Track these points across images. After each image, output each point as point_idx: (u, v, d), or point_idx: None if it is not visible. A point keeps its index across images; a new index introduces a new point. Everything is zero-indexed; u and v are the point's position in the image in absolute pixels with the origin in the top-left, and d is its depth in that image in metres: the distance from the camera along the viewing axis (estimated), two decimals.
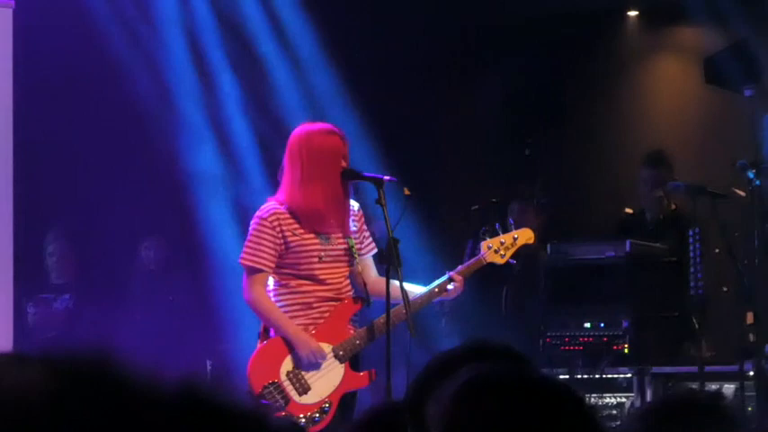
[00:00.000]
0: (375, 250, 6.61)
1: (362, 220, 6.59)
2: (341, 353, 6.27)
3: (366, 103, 9.83)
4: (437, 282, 6.42)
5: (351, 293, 6.41)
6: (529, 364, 3.00)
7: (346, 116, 9.28)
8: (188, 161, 10.19)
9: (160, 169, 10.17)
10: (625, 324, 7.89)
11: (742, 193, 7.88)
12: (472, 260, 6.67)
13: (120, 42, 10.25)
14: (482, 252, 6.51)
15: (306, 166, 6.25)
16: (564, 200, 10.09)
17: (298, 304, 6.27)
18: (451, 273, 6.39)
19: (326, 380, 6.29)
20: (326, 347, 6.17)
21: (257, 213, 6.40)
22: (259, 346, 6.40)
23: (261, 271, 6.23)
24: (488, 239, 6.59)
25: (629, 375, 8.07)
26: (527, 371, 2.73)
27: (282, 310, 6.30)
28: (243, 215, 8.15)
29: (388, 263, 6.18)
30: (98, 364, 1.03)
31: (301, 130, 6.44)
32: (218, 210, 9.77)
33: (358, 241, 6.38)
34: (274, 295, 6.38)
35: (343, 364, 6.26)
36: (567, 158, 11.00)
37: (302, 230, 6.22)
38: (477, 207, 9.30)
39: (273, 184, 6.92)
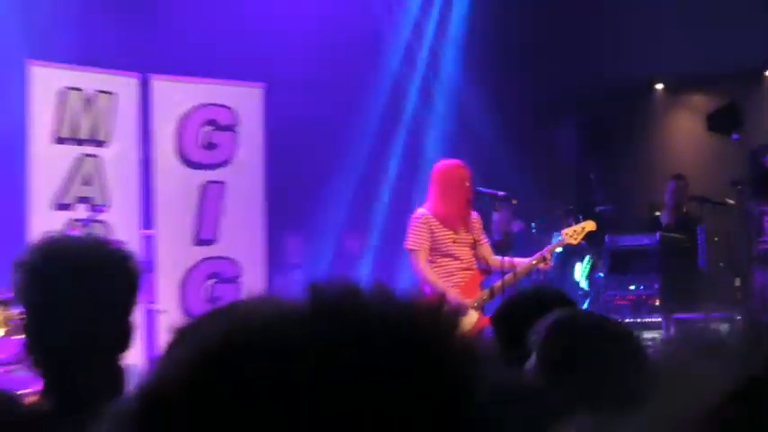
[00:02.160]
0: (489, 242, 8.39)
1: (480, 223, 8.26)
2: (475, 305, 7.93)
3: (490, 141, 11.94)
4: (535, 257, 7.94)
5: (477, 267, 8.14)
6: (575, 305, 4.61)
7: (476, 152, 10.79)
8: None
9: None
10: (656, 286, 10.05)
11: (732, 202, 10.45)
12: (557, 242, 8.43)
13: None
14: (562, 237, 8.27)
15: (444, 188, 8.08)
16: (616, 206, 11.79)
17: (444, 274, 8.00)
18: (543, 251, 7.98)
19: (466, 322, 8.27)
20: (466, 301, 8.16)
21: (413, 216, 8.15)
22: None
23: (417, 251, 8.01)
24: (566, 228, 8.49)
25: (659, 320, 9.86)
26: (597, 315, 4.18)
27: None
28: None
29: (503, 248, 9.05)
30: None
31: (441, 164, 8.35)
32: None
33: (477, 236, 8.07)
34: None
35: (476, 312, 7.94)
36: (617, 179, 12.94)
37: (442, 227, 7.98)
38: (560, 211, 11.34)
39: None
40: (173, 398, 0.84)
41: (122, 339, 2.92)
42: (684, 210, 11.23)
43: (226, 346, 0.84)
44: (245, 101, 9.60)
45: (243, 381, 0.82)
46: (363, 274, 11.42)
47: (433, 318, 0.87)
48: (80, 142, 8.61)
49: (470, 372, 0.85)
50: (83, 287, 2.90)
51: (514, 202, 8.90)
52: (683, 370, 0.94)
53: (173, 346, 1.05)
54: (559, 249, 8.74)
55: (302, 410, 0.81)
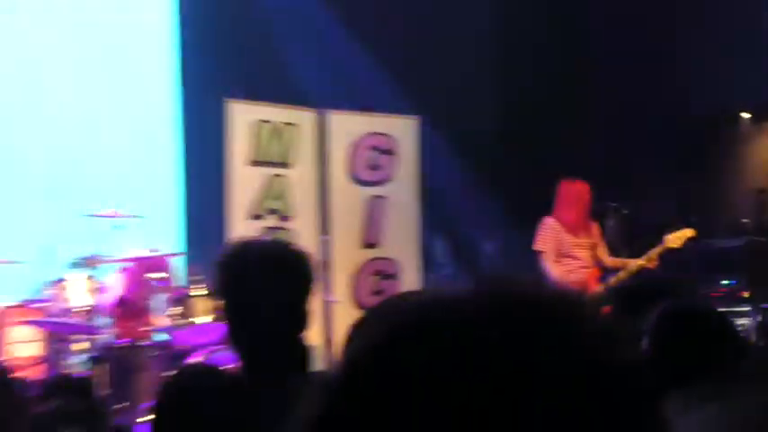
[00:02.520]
0: (605, 245, 9.62)
1: (598, 229, 9.57)
2: (593, 297, 9.27)
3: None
4: (643, 258, 9.10)
5: (595, 265, 9.43)
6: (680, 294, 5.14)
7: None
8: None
9: None
10: (743, 281, 11.19)
11: None
12: (661, 245, 9.29)
13: None
14: (665, 241, 9.20)
15: (567, 201, 9.40)
16: (709, 219, 12.28)
17: (566, 271, 9.24)
18: (649, 253, 9.14)
19: None
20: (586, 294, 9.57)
21: (541, 223, 9.38)
22: None
23: (545, 252, 9.28)
24: (669, 235, 9.31)
25: (748, 308, 10.92)
26: (701, 304, 4.54)
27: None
28: None
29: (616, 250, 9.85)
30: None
31: (565, 181, 9.48)
32: None
33: (596, 240, 9.39)
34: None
35: None
36: (709, 199, 13.31)
37: (565, 232, 9.27)
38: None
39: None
40: (369, 368, 0.93)
41: (301, 323, 3.32)
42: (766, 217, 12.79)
43: (413, 324, 0.92)
44: (402, 130, 10.83)
45: (431, 351, 0.90)
46: (503, 271, 12.83)
47: (581, 304, 0.95)
48: (270, 165, 9.93)
49: (621, 354, 0.92)
50: (269, 281, 3.30)
51: (625, 211, 10.03)
52: None
53: (359, 327, 1.24)
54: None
55: (477, 374, 0.86)
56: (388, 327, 0.92)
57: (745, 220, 12.44)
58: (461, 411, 0.84)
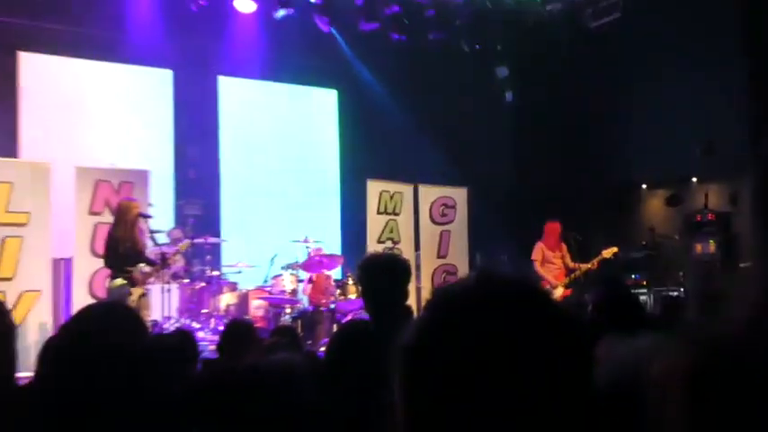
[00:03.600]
0: (569, 255, 12.02)
1: (565, 247, 12.09)
2: (562, 285, 11.86)
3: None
4: (591, 262, 11.71)
5: (563, 267, 12.03)
6: None
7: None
8: None
9: None
10: None
11: None
12: (599, 255, 11.78)
13: None
14: (602, 254, 11.87)
15: (548, 232, 12.16)
16: (624, 243, 13.42)
17: (548, 271, 12.02)
18: (594, 260, 11.76)
19: (558, 293, 11.58)
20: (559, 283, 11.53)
21: (536, 245, 12.10)
22: None
23: (536, 260, 11.94)
24: (604, 250, 11.83)
25: (646, 291, 12.99)
26: (623, 287, 7.03)
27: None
28: None
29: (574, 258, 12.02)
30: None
31: (548, 222, 12.07)
32: None
33: (563, 253, 11.97)
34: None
35: (563, 288, 11.93)
36: (624, 232, 14.87)
37: (547, 249, 12.08)
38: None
39: None
40: (431, 337, 1.24)
41: (404, 298, 4.45)
42: None
43: (452, 296, 1.28)
44: (458, 194, 14.31)
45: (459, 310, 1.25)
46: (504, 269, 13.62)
47: (541, 288, 1.27)
48: (388, 213, 13.49)
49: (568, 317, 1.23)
50: (387, 275, 4.46)
51: (579, 238, 12.40)
52: None
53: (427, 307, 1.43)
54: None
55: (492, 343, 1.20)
56: (444, 298, 1.25)
57: (643, 242, 14.38)
58: (478, 345, 1.18)
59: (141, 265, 10.00)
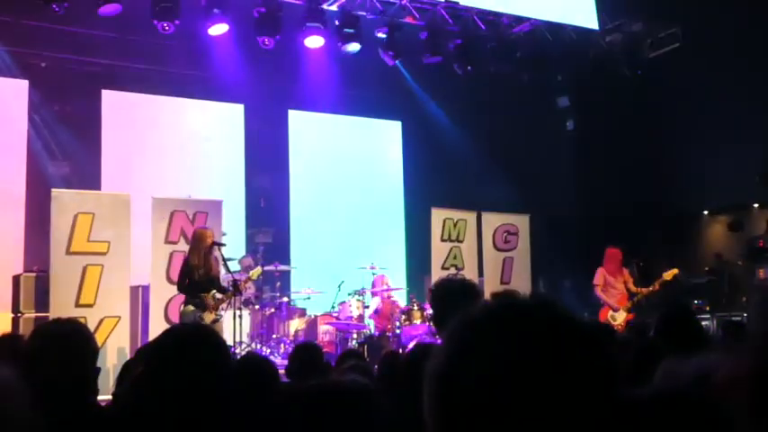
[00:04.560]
0: (631, 279, 11.89)
1: (627, 272, 12.00)
2: (625, 309, 11.80)
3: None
4: (652, 287, 11.78)
5: (625, 291, 11.96)
6: None
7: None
8: None
9: None
10: None
11: None
12: (661, 278, 11.86)
13: None
14: (663, 277, 11.85)
15: (609, 258, 12.05)
16: (687, 267, 13.46)
17: (610, 296, 11.94)
18: (655, 283, 11.69)
19: (620, 317, 11.72)
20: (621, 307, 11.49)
21: (597, 271, 12.06)
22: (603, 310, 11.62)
23: (598, 285, 11.90)
24: (665, 272, 11.88)
25: (708, 316, 12.94)
26: (686, 309, 5.75)
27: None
28: None
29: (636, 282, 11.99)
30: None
31: (609, 248, 12.10)
32: None
33: (626, 278, 11.89)
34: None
35: (625, 312, 11.80)
36: (686, 257, 14.71)
37: (608, 275, 12.02)
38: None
39: None
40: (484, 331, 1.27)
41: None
42: None
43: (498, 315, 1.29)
44: (521, 221, 14.41)
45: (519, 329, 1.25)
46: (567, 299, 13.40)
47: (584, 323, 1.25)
48: (451, 241, 13.69)
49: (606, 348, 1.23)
50: (456, 297, 4.48)
51: (641, 263, 13.06)
52: None
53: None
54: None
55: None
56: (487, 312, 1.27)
57: (706, 268, 14.53)
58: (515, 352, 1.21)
59: (214, 291, 10.20)
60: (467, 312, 1.33)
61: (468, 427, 1.22)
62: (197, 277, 10.03)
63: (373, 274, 13.26)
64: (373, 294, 13.02)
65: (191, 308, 10.08)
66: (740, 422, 1.24)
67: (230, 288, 10.38)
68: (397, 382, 3.62)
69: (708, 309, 13.46)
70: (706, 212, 15.18)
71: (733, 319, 12.50)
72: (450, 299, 4.53)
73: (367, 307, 13.13)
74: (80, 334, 3.20)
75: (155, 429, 2.38)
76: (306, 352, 5.97)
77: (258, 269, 11.31)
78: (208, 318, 10.05)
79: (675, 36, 14.62)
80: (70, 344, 3.11)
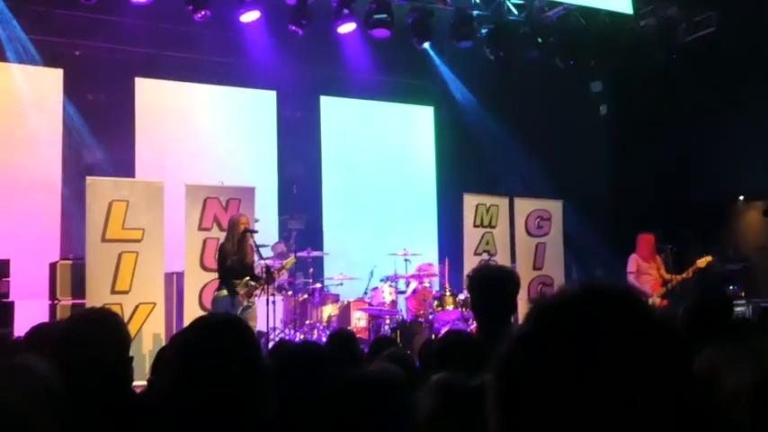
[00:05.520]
0: (664, 267, 11.88)
1: (660, 258, 11.92)
2: (658, 296, 11.59)
3: None
4: (684, 274, 11.58)
5: (659, 278, 11.76)
6: None
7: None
8: None
9: None
10: None
11: None
12: (695, 266, 11.75)
13: None
14: (696, 264, 11.69)
15: (642, 245, 12.07)
16: (721, 253, 13.49)
17: (644, 282, 11.78)
18: (689, 270, 11.69)
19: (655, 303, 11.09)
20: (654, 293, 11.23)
21: (630, 257, 11.98)
22: None
23: (632, 273, 11.83)
24: (699, 259, 11.79)
25: (743, 302, 12.70)
26: (722, 294, 6.30)
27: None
28: None
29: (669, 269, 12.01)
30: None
31: (642, 234, 11.95)
32: None
33: (659, 265, 11.86)
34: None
35: (659, 299, 11.67)
36: (720, 244, 14.47)
37: (642, 261, 11.92)
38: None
39: None
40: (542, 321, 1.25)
41: (511, 305, 4.48)
42: None
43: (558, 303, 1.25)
44: (554, 207, 14.28)
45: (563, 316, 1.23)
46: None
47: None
48: (484, 227, 13.57)
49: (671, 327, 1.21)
50: (493, 283, 4.49)
51: (675, 248, 12.65)
52: None
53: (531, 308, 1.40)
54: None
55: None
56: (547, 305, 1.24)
57: (741, 255, 14.25)
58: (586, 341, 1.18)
59: (247, 278, 10.27)
60: (545, 300, 1.28)
61: (543, 421, 1.19)
62: (230, 263, 10.12)
63: (406, 260, 13.40)
64: (414, 278, 13.23)
65: (223, 293, 10.20)
66: None
67: (262, 276, 10.44)
68: (430, 368, 3.52)
69: (743, 295, 13.26)
70: (741, 198, 14.99)
71: None
72: (490, 286, 4.51)
73: (402, 292, 13.38)
74: (111, 322, 3.22)
75: (185, 416, 2.40)
76: (340, 338, 5.97)
77: (292, 258, 11.41)
78: (239, 304, 10.18)
79: (711, 20, 14.43)
80: (102, 332, 3.13)
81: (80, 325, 3.21)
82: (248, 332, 2.57)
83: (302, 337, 11.96)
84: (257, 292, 10.39)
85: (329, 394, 2.67)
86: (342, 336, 6.03)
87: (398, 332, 11.85)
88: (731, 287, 13.47)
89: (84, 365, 2.91)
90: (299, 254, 12.61)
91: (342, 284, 13.39)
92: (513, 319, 4.53)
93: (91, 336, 3.09)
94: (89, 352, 2.96)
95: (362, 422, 2.51)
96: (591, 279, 1.43)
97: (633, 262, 12.14)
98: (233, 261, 10.10)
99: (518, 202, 13.95)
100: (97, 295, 10.28)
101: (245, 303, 10.20)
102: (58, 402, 1.90)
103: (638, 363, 1.17)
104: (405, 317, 12.72)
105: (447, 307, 12.51)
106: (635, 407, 1.14)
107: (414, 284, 12.99)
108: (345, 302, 13.01)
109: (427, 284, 13.19)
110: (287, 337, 11.55)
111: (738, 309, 12.04)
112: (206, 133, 14.54)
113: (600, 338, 1.18)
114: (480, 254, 13.45)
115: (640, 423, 1.14)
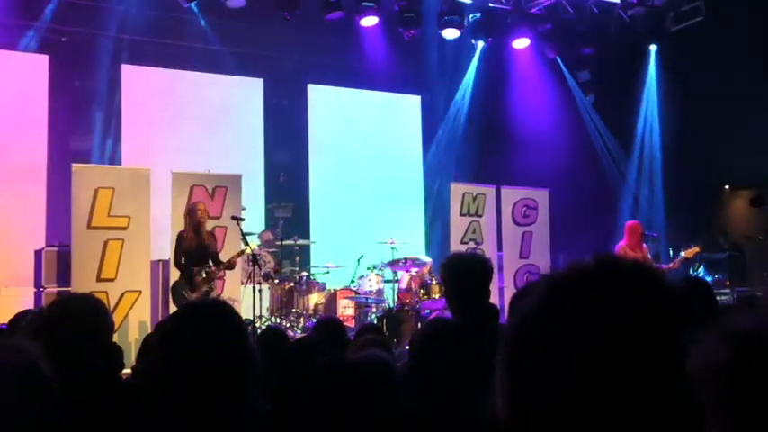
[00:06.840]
0: (649, 256, 11.62)
1: (645, 247, 11.83)
2: None
3: None
4: (671, 263, 11.61)
5: None
6: None
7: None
8: None
9: None
10: None
11: None
12: (682, 256, 11.78)
13: None
14: (684, 254, 11.74)
15: (629, 233, 11.92)
16: (707, 243, 13.48)
17: None
18: (676, 260, 11.72)
19: None
20: None
21: (618, 245, 11.98)
22: None
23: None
24: (686, 250, 11.79)
25: (728, 291, 12.91)
26: (704, 284, 5.19)
27: None
28: None
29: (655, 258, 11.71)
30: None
31: (629, 223, 12.03)
32: None
33: (645, 253, 11.63)
34: None
35: None
36: (707, 233, 14.61)
37: (629, 249, 11.64)
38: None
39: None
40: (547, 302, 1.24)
41: (486, 295, 4.48)
42: None
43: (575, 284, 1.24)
44: (540, 196, 14.28)
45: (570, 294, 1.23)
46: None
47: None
48: (470, 215, 13.61)
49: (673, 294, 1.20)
50: (470, 274, 4.46)
51: (658, 237, 12.62)
52: None
53: (516, 297, 2.66)
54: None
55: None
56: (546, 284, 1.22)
57: (724, 245, 14.47)
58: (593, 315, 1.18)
59: (206, 266, 10.57)
60: (559, 273, 1.30)
61: (557, 390, 1.20)
62: (186, 249, 10.40)
63: (392, 249, 13.31)
64: (402, 269, 13.10)
65: (181, 280, 10.48)
66: (714, 411, 1.20)
67: (222, 261, 10.71)
68: (413, 354, 3.60)
69: (728, 284, 13.46)
70: (727, 187, 15.13)
71: (754, 294, 12.55)
72: (462, 273, 4.49)
73: (387, 281, 13.43)
74: (94, 308, 3.20)
75: (171, 403, 2.39)
76: (327, 326, 5.95)
77: (253, 244, 11.34)
78: (197, 291, 10.38)
79: (698, 9, 14.50)
80: (83, 318, 3.13)
81: (62, 311, 3.19)
82: (235, 317, 2.56)
83: (288, 325, 12.01)
84: (219, 276, 10.64)
85: (316, 379, 2.66)
86: (329, 324, 6.02)
87: (385, 320, 11.85)
88: (716, 275, 13.90)
89: (67, 350, 2.90)
90: (285, 242, 12.69)
91: (328, 272, 13.37)
92: (491, 307, 4.54)
93: (74, 321, 3.08)
94: (72, 337, 2.96)
95: (350, 407, 2.54)
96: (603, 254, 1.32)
97: (620, 251, 12.06)
98: (191, 248, 10.26)
99: (505, 190, 13.94)
100: (83, 283, 10.19)
101: (204, 288, 10.35)
102: (49, 385, 1.92)
103: (653, 332, 1.19)
104: (392, 305, 12.76)
105: (433, 295, 12.43)
106: (647, 373, 1.17)
107: (407, 277, 13.03)
108: (332, 291, 12.97)
109: (414, 273, 13.06)
110: (272, 326, 11.32)
111: (723, 297, 12.44)
112: (193, 120, 14.50)
113: (616, 308, 1.20)
114: (467, 242, 13.46)
115: (655, 387, 1.18)
